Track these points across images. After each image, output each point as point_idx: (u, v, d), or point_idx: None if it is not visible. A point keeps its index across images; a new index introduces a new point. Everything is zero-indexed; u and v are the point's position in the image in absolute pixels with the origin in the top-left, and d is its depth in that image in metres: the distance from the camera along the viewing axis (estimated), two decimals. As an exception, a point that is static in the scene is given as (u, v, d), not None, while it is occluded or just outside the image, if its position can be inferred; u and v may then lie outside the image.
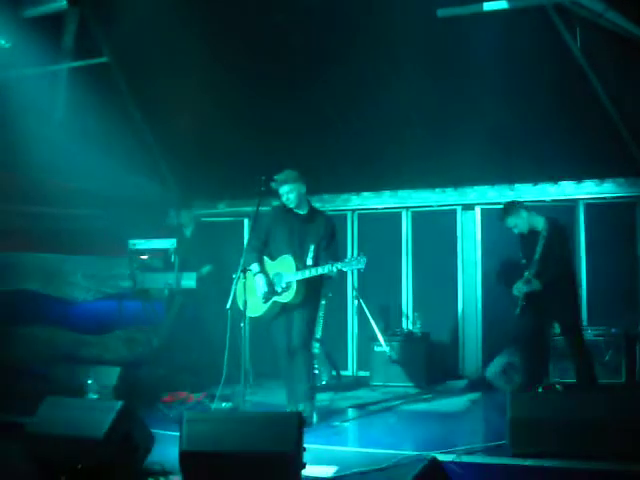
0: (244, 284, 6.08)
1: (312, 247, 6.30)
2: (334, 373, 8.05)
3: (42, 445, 4.54)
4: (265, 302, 6.40)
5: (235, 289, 5.93)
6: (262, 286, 6.35)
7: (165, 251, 7.97)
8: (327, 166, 8.58)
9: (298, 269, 6.24)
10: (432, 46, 7.49)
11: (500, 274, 7.86)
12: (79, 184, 8.64)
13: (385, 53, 7.70)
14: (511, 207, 6.78)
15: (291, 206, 6.41)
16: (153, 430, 4.93)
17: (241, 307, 6.41)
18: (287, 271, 6.29)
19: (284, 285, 6.29)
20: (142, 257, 8.09)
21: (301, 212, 6.45)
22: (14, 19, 6.75)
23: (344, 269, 6.10)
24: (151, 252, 8.16)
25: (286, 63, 8.03)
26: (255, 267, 6.42)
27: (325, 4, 7.41)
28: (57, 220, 9.38)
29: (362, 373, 8.75)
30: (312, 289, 6.38)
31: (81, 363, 8.01)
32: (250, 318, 6.34)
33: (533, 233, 6.65)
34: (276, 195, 6.48)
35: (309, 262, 6.28)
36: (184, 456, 4.20)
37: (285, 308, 6.39)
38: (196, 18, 7.64)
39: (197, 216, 8.84)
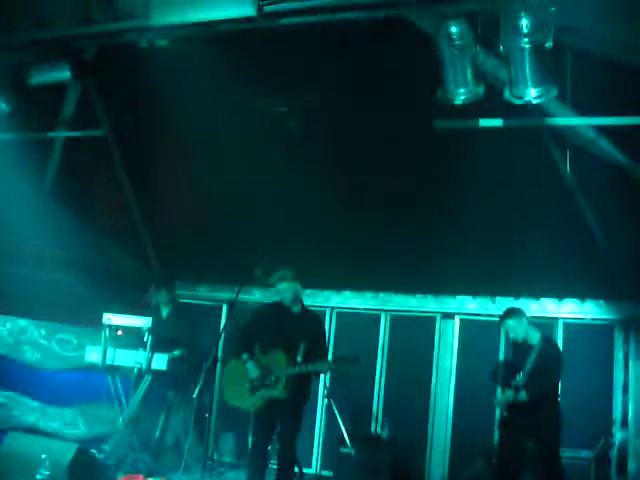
0: (229, 373, 6.43)
1: (303, 345, 6.42)
2: (297, 470, 7.85)
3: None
4: (252, 394, 6.45)
5: (210, 376, 5.91)
6: (254, 371, 6.42)
7: (139, 329, 7.86)
8: (310, 261, 8.57)
9: (288, 364, 6.32)
10: (427, 154, 7.60)
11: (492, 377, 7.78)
12: (60, 251, 8.61)
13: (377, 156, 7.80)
14: (515, 311, 6.80)
15: (286, 304, 6.58)
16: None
17: (225, 396, 6.68)
18: (278, 366, 6.37)
19: (273, 379, 6.37)
20: (116, 332, 7.98)
21: (294, 309, 6.62)
22: (18, 86, 6.80)
23: (339, 367, 6.19)
24: (125, 328, 8.06)
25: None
26: (245, 357, 6.52)
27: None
28: (33, 284, 9.32)
29: (325, 473, 8.55)
30: (301, 386, 6.48)
31: (39, 435, 7.84)
32: (226, 405, 6.33)
33: (526, 345, 6.62)
34: (260, 284, 6.58)
35: (299, 359, 6.38)
36: None
37: (271, 402, 6.39)
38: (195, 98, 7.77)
39: (176, 297, 8.76)
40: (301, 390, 6.51)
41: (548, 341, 6.66)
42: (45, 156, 8.32)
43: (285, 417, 6.48)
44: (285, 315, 6.62)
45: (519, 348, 6.71)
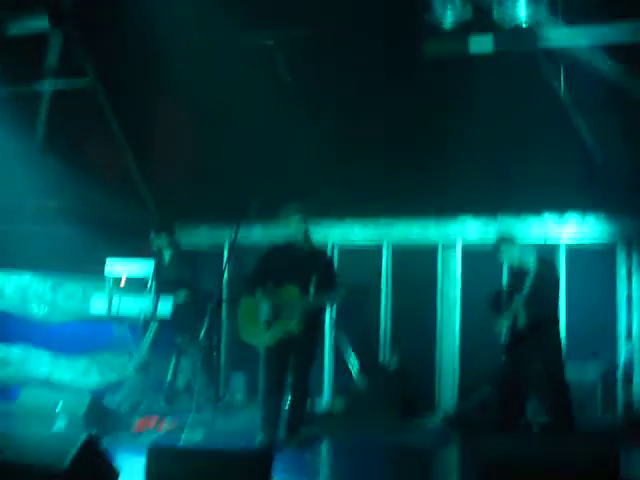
0: (245, 311, 6.51)
1: (314, 279, 6.48)
2: (308, 402, 7.97)
3: (2, 474, 4.43)
4: (267, 329, 6.51)
5: (217, 316, 5.96)
6: (266, 311, 6.47)
7: (142, 275, 7.89)
8: (309, 193, 8.53)
9: (302, 299, 6.41)
10: (422, 81, 7.49)
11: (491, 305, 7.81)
12: (58, 203, 8.59)
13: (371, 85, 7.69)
14: (507, 236, 6.79)
15: (298, 238, 6.63)
16: (122, 459, 4.85)
17: (241, 334, 6.74)
18: (291, 299, 6.44)
19: (288, 313, 6.43)
20: (119, 281, 8.02)
21: (304, 247, 6.68)
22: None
23: (352, 296, 6.28)
24: (129, 275, 8.10)
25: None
26: (259, 296, 6.56)
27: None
28: (36, 239, 9.33)
29: (336, 404, 8.63)
30: (315, 319, 6.63)
31: (53, 387, 7.97)
32: (235, 345, 6.39)
33: (523, 270, 6.58)
34: (259, 220, 6.60)
35: (312, 292, 6.47)
36: (148, 492, 4.11)
37: (286, 337, 6.45)
38: (181, 39, 7.63)
39: (176, 240, 8.75)
40: (315, 323, 6.66)
41: (543, 263, 6.57)
42: (34, 110, 8.22)
43: (300, 349, 6.56)
44: (296, 252, 6.65)
45: (516, 273, 6.69)
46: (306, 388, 6.83)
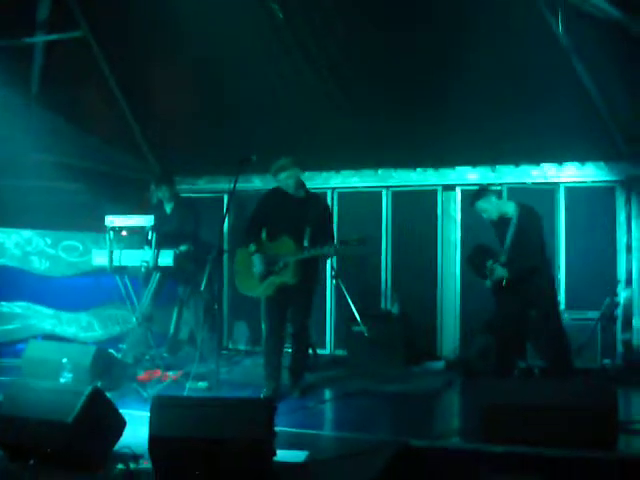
0: (240, 262, 6.47)
1: (308, 229, 6.47)
2: (311, 352, 8.04)
3: (10, 428, 4.50)
4: (261, 282, 6.54)
5: (218, 267, 5.95)
6: (259, 265, 6.50)
7: (142, 228, 7.88)
8: (308, 143, 8.52)
9: (297, 249, 6.40)
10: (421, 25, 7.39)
11: (470, 261, 7.81)
12: (57, 158, 8.56)
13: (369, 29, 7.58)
14: (481, 192, 6.71)
15: (290, 192, 6.59)
16: (126, 410, 4.92)
17: (237, 285, 6.79)
18: (285, 251, 6.44)
19: (282, 265, 6.43)
20: (120, 234, 8.02)
21: (298, 195, 6.63)
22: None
23: (346, 252, 6.23)
24: (129, 229, 8.09)
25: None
26: (252, 248, 6.58)
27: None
28: (35, 194, 9.31)
29: (339, 352, 8.74)
30: (309, 270, 6.54)
31: (57, 340, 8.04)
32: (237, 295, 6.37)
33: (504, 220, 6.55)
34: (271, 173, 6.56)
35: (306, 244, 6.45)
36: (153, 441, 4.18)
37: (281, 288, 6.49)
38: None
39: (177, 191, 8.74)
40: (310, 274, 6.58)
41: (524, 209, 6.48)
42: (28, 63, 8.14)
43: (296, 300, 6.61)
44: (289, 201, 6.62)
45: (499, 225, 6.61)
46: (306, 337, 6.91)
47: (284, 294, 6.53)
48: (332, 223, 6.88)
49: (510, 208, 6.55)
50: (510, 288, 6.45)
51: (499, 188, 7.93)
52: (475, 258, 6.92)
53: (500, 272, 6.45)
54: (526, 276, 6.39)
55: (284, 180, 6.54)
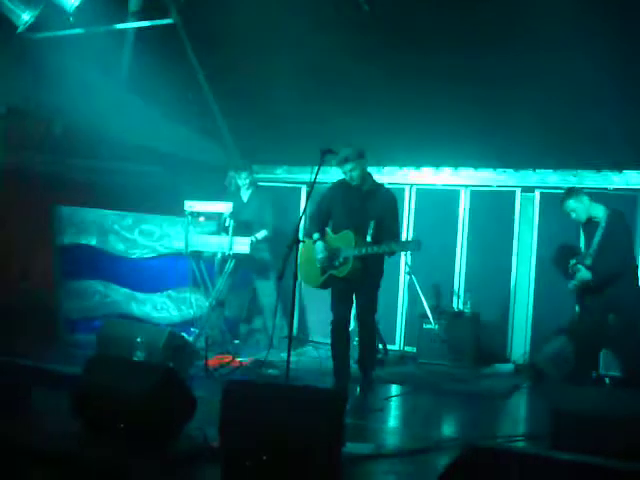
0: (302, 253, 6.31)
1: (372, 223, 6.31)
2: (381, 347, 8.06)
3: (86, 402, 4.65)
4: (322, 274, 6.53)
5: (293, 257, 5.95)
6: (322, 252, 6.47)
7: (220, 214, 8.01)
8: (388, 139, 8.51)
9: (357, 245, 6.29)
10: (495, 23, 7.29)
11: (555, 261, 7.71)
12: (141, 141, 8.73)
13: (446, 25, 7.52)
14: (573, 191, 6.64)
15: (354, 183, 6.49)
16: (197, 393, 5.01)
17: (299, 276, 6.56)
18: (346, 246, 6.35)
19: (342, 260, 6.36)
20: (198, 219, 8.17)
21: (363, 188, 6.52)
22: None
23: (400, 251, 6.14)
24: (207, 214, 8.24)
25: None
26: (316, 237, 6.57)
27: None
28: (117, 175, 9.55)
29: (409, 349, 8.72)
30: (372, 266, 6.41)
31: (132, 320, 8.23)
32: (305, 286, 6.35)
33: (592, 223, 6.47)
34: (335, 164, 6.53)
35: (369, 239, 6.29)
36: (224, 424, 4.24)
37: (341, 282, 6.45)
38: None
39: (256, 180, 8.84)
40: (372, 269, 6.44)
41: (613, 214, 6.39)
42: (119, 50, 8.32)
43: (359, 295, 6.57)
44: (354, 193, 6.52)
45: (587, 228, 6.55)
46: (372, 332, 6.81)
47: (346, 288, 6.50)
48: (398, 218, 6.67)
49: (600, 212, 6.46)
50: (593, 292, 6.35)
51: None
52: (560, 258, 6.83)
53: (584, 274, 6.36)
54: (610, 281, 6.28)
55: (349, 172, 6.43)
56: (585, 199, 6.51)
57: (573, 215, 6.56)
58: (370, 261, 6.35)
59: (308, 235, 6.74)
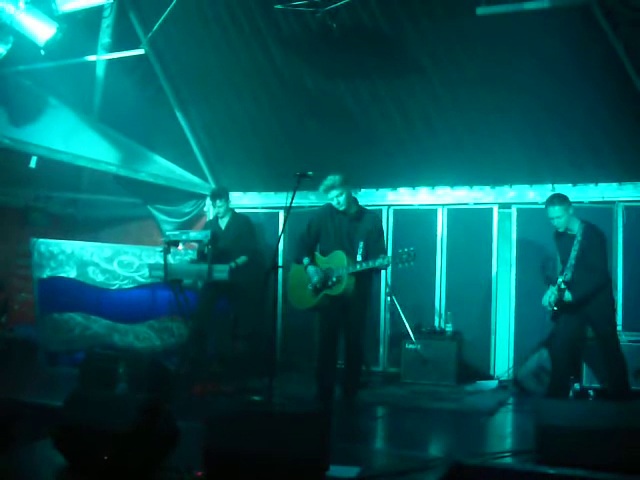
0: (293, 277, 6.59)
1: (361, 244, 6.55)
2: (364, 368, 8.03)
3: (68, 435, 4.59)
4: (315, 295, 6.63)
5: (272, 282, 6.01)
6: (315, 275, 6.58)
7: (199, 242, 7.99)
8: (363, 161, 8.57)
9: (349, 263, 6.45)
10: (472, 42, 7.38)
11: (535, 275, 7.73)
12: (117, 172, 8.72)
13: (422, 44, 7.59)
14: (565, 198, 6.50)
15: (341, 209, 6.67)
16: (181, 422, 4.96)
17: (290, 299, 6.91)
18: (338, 265, 6.52)
19: (334, 279, 6.51)
20: (177, 247, 8.16)
21: (350, 211, 6.71)
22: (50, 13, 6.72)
23: (395, 263, 6.26)
24: (185, 242, 8.24)
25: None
26: (306, 261, 6.70)
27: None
28: (95, 207, 9.54)
29: (392, 369, 8.70)
30: (363, 284, 6.58)
31: (114, 351, 8.17)
32: (292, 309, 6.42)
33: (566, 235, 6.46)
34: (322, 191, 6.62)
35: (359, 258, 6.51)
36: (207, 454, 4.21)
37: (335, 302, 6.56)
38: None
39: (233, 207, 8.84)
40: (363, 288, 6.61)
41: (589, 228, 6.38)
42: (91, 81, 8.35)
43: (349, 315, 6.64)
44: (342, 217, 6.72)
45: (562, 238, 6.51)
46: (360, 352, 6.89)
47: (337, 309, 6.59)
48: (384, 238, 6.88)
49: (575, 225, 6.44)
50: (568, 308, 6.37)
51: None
52: (540, 271, 6.83)
53: (567, 297, 6.34)
54: (588, 295, 6.31)
55: (335, 198, 6.61)
56: (571, 210, 6.47)
57: (555, 222, 6.47)
58: (361, 280, 6.51)
59: (297, 260, 6.85)
